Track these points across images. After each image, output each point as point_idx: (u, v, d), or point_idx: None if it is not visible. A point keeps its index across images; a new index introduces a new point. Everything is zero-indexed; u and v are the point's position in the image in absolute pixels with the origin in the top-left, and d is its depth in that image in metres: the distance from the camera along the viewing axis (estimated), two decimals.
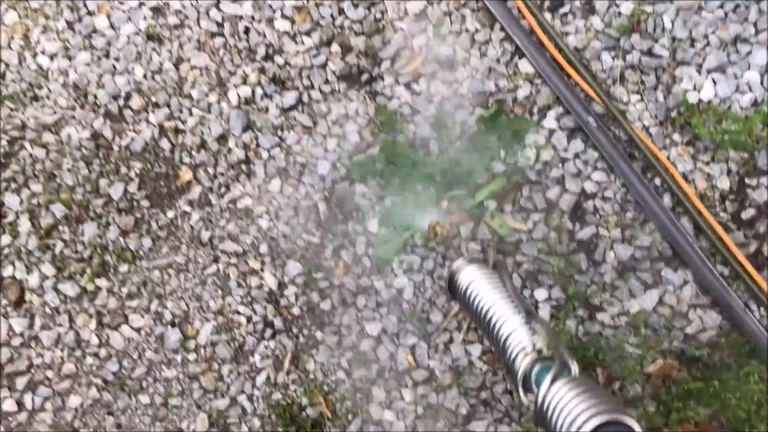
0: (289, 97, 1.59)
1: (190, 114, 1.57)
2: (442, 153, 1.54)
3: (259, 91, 1.59)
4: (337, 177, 1.54)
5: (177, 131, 1.57)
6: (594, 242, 1.50)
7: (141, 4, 1.65)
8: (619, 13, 1.63)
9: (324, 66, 1.61)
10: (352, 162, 1.54)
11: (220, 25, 1.64)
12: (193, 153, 1.56)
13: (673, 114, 1.57)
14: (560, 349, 0.89)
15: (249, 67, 1.60)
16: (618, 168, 1.53)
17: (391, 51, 1.62)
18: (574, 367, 0.88)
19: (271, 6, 1.65)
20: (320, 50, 1.62)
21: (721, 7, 1.65)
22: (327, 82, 1.60)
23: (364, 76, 1.61)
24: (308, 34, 1.63)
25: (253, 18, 1.64)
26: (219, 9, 1.65)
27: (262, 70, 1.60)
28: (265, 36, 1.61)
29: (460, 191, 1.54)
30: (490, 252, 1.39)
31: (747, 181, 1.54)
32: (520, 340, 0.92)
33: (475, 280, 1.06)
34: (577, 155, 1.56)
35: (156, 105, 1.58)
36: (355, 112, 1.58)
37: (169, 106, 1.58)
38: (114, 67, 1.62)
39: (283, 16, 1.65)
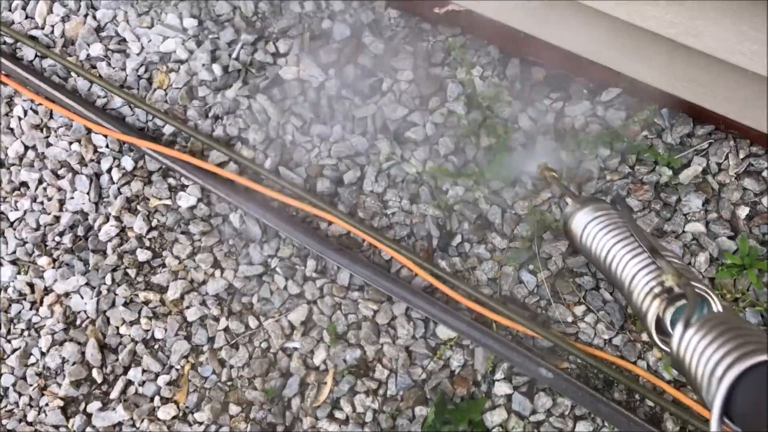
0: None
1: None
2: None
3: None
4: None
5: None
6: None
7: None
8: (516, 215, 1.49)
9: None
10: None
11: None
12: None
13: (630, 310, 1.42)
14: (695, 283, 0.83)
15: None
16: (598, 411, 1.38)
17: (294, 384, 1.51)
18: (715, 304, 0.81)
19: (145, 395, 1.53)
20: (218, 421, 1.48)
21: (624, 161, 1.50)
22: None
23: (280, 429, 1.46)
24: (198, 407, 1.51)
25: (132, 420, 1.50)
26: (92, 426, 1.51)
27: None
28: None
29: None
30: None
31: None
32: (647, 281, 0.88)
33: (590, 223, 1.05)
34: (549, 412, 1.43)
35: None
36: None
37: None
38: None
39: (163, 401, 1.53)
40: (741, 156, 1.54)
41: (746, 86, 1.30)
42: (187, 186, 1.74)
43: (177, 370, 1.64)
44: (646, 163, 1.57)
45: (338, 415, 1.57)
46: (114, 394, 1.64)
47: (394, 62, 1.75)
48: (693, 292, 0.81)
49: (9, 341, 1.72)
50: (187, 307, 1.67)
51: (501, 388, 1.52)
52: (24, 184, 1.84)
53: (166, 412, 1.61)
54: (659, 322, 0.86)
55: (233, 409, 1.60)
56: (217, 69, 1.79)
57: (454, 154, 1.66)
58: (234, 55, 1.80)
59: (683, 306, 0.82)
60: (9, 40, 1.92)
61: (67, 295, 1.73)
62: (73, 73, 1.86)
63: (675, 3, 1.17)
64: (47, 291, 1.74)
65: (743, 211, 1.52)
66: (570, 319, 1.54)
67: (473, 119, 1.67)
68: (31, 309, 1.74)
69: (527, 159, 1.62)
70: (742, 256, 1.48)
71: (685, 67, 1.37)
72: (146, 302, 1.69)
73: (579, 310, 1.54)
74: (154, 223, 1.74)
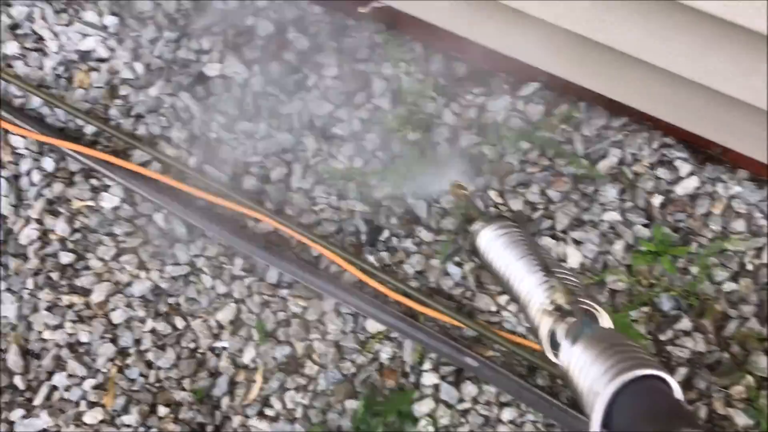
0: None
1: None
2: None
3: None
4: None
5: None
6: None
7: None
8: (442, 210, 1.53)
9: None
10: None
11: None
12: None
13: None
14: (584, 301, 0.86)
15: None
16: (522, 397, 1.42)
17: (223, 384, 1.52)
18: (603, 320, 0.84)
19: (70, 400, 1.52)
20: (147, 422, 1.47)
21: (543, 154, 1.55)
22: None
23: (209, 429, 1.46)
24: (126, 410, 1.50)
25: (57, 425, 1.48)
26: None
27: None
28: None
29: None
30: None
31: (661, 337, 1.45)
32: (540, 299, 0.92)
33: (493, 242, 1.09)
34: (475, 400, 1.47)
35: None
36: None
37: None
38: None
39: (90, 405, 1.52)
40: (654, 146, 1.61)
41: (655, 80, 1.36)
42: (109, 186, 1.71)
43: (103, 373, 1.62)
44: (564, 155, 1.63)
45: (268, 412, 1.58)
46: (38, 400, 1.62)
47: (319, 58, 1.76)
48: (580, 309, 0.85)
49: None
50: (113, 310, 1.65)
51: (429, 379, 1.56)
52: None
53: (93, 417, 1.59)
54: (553, 337, 0.89)
55: (162, 410, 1.59)
56: (139, 67, 1.77)
57: (380, 150, 1.68)
58: (156, 53, 1.78)
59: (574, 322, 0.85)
60: None
61: None
62: None
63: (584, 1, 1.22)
64: None
65: (657, 200, 1.59)
66: (494, 308, 1.58)
67: (399, 115, 1.69)
68: None
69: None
70: (657, 243, 1.55)
71: (598, 62, 1.42)
72: (70, 306, 1.66)
73: (502, 299, 1.58)
74: (77, 225, 1.71)
